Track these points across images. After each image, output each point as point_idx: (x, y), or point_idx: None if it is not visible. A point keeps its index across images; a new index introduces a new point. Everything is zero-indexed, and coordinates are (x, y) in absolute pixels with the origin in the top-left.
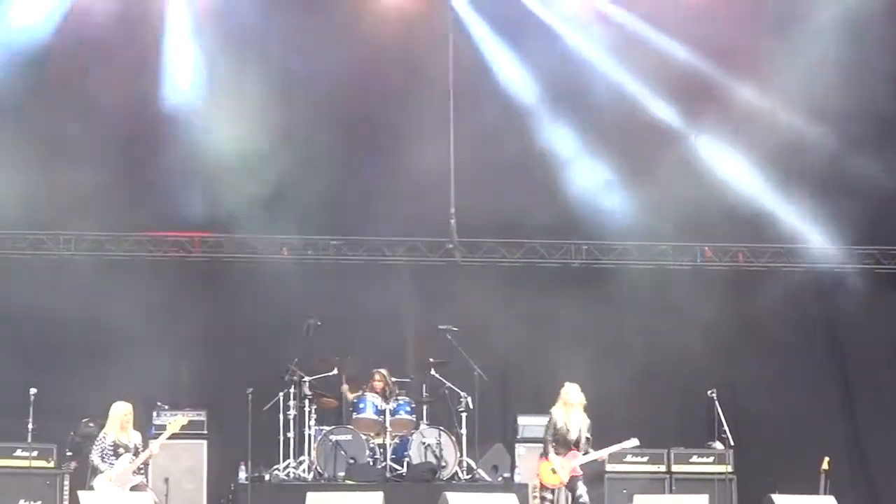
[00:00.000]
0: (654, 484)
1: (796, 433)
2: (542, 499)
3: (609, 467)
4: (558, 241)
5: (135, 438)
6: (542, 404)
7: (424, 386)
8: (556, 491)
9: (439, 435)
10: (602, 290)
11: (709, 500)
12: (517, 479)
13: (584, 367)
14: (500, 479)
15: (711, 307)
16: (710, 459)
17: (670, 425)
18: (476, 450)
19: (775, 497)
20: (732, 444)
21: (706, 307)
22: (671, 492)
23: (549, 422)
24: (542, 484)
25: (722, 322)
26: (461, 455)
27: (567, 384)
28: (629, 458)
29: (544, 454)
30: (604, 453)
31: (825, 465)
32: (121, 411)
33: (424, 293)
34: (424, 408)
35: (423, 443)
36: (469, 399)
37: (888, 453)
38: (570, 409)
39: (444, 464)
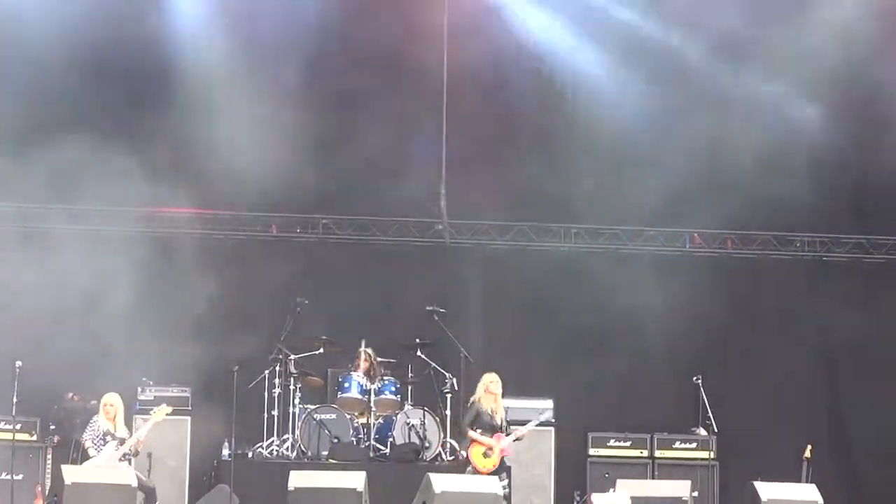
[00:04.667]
0: (637, 469)
1: (781, 421)
2: None
3: (592, 451)
4: (549, 224)
5: (121, 432)
6: (527, 387)
7: (410, 366)
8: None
9: (423, 416)
10: (591, 275)
11: (691, 485)
12: None
13: (569, 352)
14: None
15: (699, 293)
16: (694, 445)
17: (655, 411)
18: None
19: (758, 484)
20: (716, 430)
21: (693, 293)
22: (653, 477)
23: (470, 410)
24: (476, 470)
25: (709, 309)
26: (445, 436)
27: (488, 374)
28: (612, 442)
29: (469, 440)
30: (525, 430)
31: (808, 454)
32: (103, 401)
33: (412, 273)
34: (409, 388)
35: (408, 423)
36: (454, 381)
37: (871, 442)
38: (492, 397)
39: (427, 444)
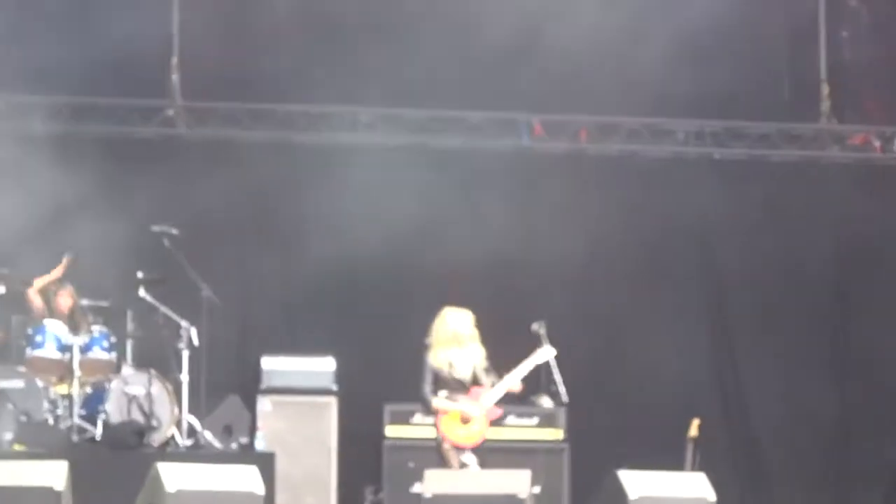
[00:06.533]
0: None
1: (654, 387)
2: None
3: (389, 430)
4: (322, 107)
5: None
6: (297, 340)
7: (130, 312)
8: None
9: (149, 382)
10: (384, 177)
11: (531, 477)
12: (259, 445)
13: (355, 291)
14: (234, 444)
15: (542, 205)
16: (535, 422)
17: None
18: (202, 404)
19: (623, 474)
20: (566, 400)
21: (536, 206)
22: (479, 465)
23: (425, 370)
24: (456, 447)
25: (554, 229)
26: (180, 411)
27: (449, 309)
28: (418, 417)
29: (434, 410)
30: (517, 376)
31: (693, 431)
32: None
33: (132, 179)
34: (129, 343)
35: (127, 393)
36: (193, 331)
37: (777, 415)
38: (446, 343)
39: (155, 423)
